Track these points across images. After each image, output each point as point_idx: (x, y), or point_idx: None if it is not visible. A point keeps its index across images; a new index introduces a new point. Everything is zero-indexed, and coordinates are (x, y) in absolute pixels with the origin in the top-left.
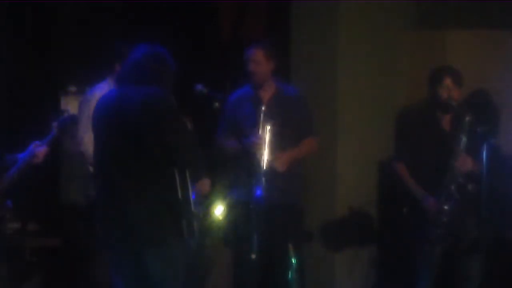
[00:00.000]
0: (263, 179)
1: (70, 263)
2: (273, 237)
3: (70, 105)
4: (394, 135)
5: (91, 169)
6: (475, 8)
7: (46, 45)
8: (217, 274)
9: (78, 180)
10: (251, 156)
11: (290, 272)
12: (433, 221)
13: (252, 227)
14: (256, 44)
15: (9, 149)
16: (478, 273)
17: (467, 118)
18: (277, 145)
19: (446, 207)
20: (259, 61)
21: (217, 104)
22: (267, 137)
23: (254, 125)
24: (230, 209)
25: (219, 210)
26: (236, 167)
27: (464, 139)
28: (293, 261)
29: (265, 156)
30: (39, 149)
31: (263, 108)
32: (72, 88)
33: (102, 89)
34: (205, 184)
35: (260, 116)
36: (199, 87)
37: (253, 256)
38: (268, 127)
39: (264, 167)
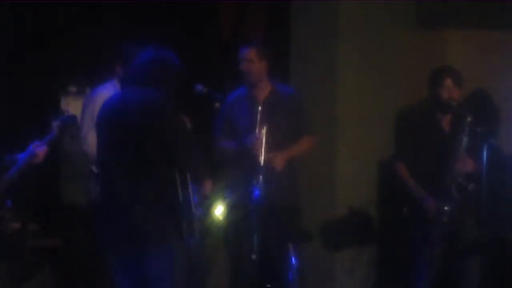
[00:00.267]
0: (261, 179)
1: (70, 263)
2: (272, 237)
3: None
4: (394, 135)
5: (93, 168)
6: (475, 8)
7: (46, 45)
8: (217, 274)
9: (78, 180)
10: (249, 156)
11: (290, 272)
12: (433, 221)
13: (252, 227)
14: (249, 43)
15: (9, 149)
16: (477, 273)
17: (468, 119)
18: (274, 144)
19: (446, 208)
20: (252, 60)
21: (217, 104)
22: (264, 136)
23: (250, 125)
24: (229, 209)
25: (219, 211)
26: (233, 167)
27: (464, 139)
28: (293, 261)
29: (263, 155)
30: (39, 149)
31: (259, 108)
32: (72, 88)
33: (107, 90)
34: (207, 185)
35: (257, 116)
36: (199, 87)
37: (253, 256)
38: (265, 127)
39: (262, 167)
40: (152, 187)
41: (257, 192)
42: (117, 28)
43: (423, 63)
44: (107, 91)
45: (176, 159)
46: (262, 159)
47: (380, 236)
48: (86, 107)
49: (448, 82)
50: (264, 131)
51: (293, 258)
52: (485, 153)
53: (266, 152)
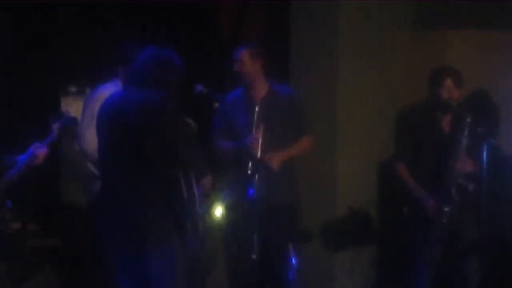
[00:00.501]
0: (257, 179)
1: (70, 263)
2: (272, 237)
3: (70, 106)
4: (394, 135)
5: (90, 166)
6: (475, 8)
7: (46, 45)
8: (217, 274)
9: (78, 180)
10: (246, 156)
11: (290, 272)
12: (433, 222)
13: (251, 227)
14: (243, 44)
15: (9, 149)
16: (477, 273)
17: (468, 119)
18: (272, 144)
19: (446, 208)
20: (244, 62)
21: (217, 104)
22: (261, 137)
23: (247, 126)
24: (228, 209)
25: (218, 211)
26: (231, 167)
27: (464, 140)
28: (293, 261)
29: (259, 156)
30: (40, 151)
31: (256, 109)
32: (73, 88)
33: (108, 89)
34: (207, 181)
35: (254, 116)
36: (199, 87)
37: (253, 256)
38: (262, 127)
39: (259, 167)
40: (152, 187)
41: (251, 192)
42: (117, 28)
43: (423, 63)
44: (107, 91)
45: (176, 159)
46: (258, 159)
47: (380, 236)
48: (87, 105)
49: (448, 82)
50: (260, 131)
51: (293, 258)
52: (485, 153)
53: (263, 152)
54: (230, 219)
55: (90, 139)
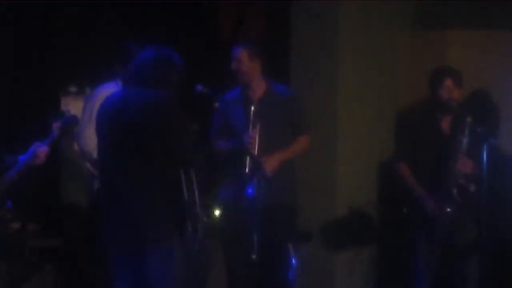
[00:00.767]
0: (255, 178)
1: (70, 263)
2: (271, 237)
3: (70, 105)
4: (394, 135)
5: (88, 166)
6: (475, 8)
7: (46, 45)
8: (217, 274)
9: (78, 180)
10: (243, 155)
11: (290, 272)
12: (434, 222)
13: (248, 226)
14: (241, 43)
15: (9, 149)
16: (477, 273)
17: (468, 119)
18: (269, 144)
19: (448, 209)
20: (242, 61)
21: (217, 104)
22: (258, 136)
23: (244, 125)
24: (225, 209)
25: (216, 211)
26: (229, 167)
27: (464, 140)
28: (293, 261)
29: (256, 156)
30: (40, 150)
31: (252, 108)
32: (72, 88)
33: (106, 89)
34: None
35: (250, 115)
36: (199, 87)
37: (253, 256)
38: (258, 126)
39: (255, 167)
40: (152, 187)
41: (249, 191)
42: (117, 28)
43: (423, 63)
44: (107, 91)
45: (177, 158)
46: (256, 158)
47: (380, 236)
48: (86, 105)
49: (448, 82)
50: (257, 130)
51: (293, 258)
52: (485, 153)
53: (260, 152)
54: (228, 219)
55: (88, 139)
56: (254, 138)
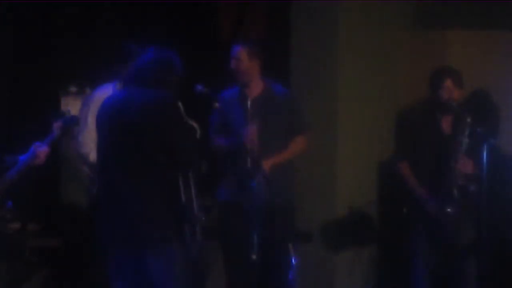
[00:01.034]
0: (252, 177)
1: (70, 263)
2: (271, 237)
3: (70, 105)
4: (394, 136)
5: (85, 168)
6: (475, 8)
7: (46, 45)
8: (217, 274)
9: (78, 180)
10: (240, 154)
11: (290, 272)
12: (435, 222)
13: (250, 227)
14: (241, 42)
15: (9, 149)
16: (477, 273)
17: (468, 119)
18: (266, 143)
19: (448, 209)
20: (241, 60)
21: (217, 104)
22: (255, 135)
23: (241, 124)
24: (224, 209)
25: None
26: (226, 166)
27: (465, 140)
28: (293, 261)
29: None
30: (40, 150)
31: (248, 107)
32: (73, 88)
33: (103, 91)
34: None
35: (246, 114)
36: (199, 87)
37: (253, 256)
38: (255, 125)
39: (252, 166)
40: (152, 187)
41: (248, 191)
42: (117, 28)
43: (423, 63)
44: (102, 94)
45: (177, 160)
46: (254, 156)
47: (380, 236)
48: (84, 106)
49: (448, 82)
50: (254, 129)
51: (293, 258)
52: (485, 153)
53: (257, 150)
54: (226, 220)
55: (85, 140)
56: (252, 136)
